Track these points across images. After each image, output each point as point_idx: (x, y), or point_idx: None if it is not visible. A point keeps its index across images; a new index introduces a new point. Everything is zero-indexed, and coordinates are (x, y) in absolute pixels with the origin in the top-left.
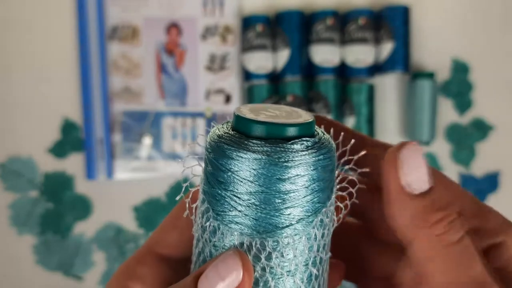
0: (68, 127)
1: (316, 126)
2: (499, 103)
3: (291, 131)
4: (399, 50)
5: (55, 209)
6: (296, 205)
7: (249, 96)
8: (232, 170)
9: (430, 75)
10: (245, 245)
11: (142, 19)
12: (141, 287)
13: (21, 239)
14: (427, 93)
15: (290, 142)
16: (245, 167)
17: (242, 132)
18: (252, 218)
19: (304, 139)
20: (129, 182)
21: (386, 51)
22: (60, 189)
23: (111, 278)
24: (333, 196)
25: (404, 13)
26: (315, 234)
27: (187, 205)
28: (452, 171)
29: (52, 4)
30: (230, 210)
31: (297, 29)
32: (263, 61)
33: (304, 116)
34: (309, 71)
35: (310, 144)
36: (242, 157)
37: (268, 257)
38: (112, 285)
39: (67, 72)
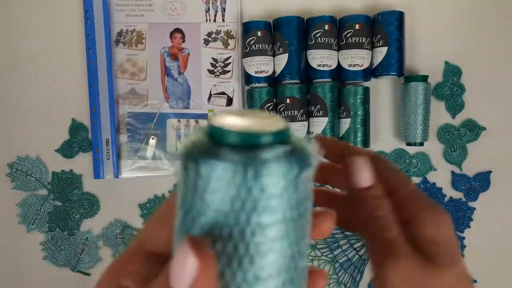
0: (76, 128)
1: (293, 134)
2: (489, 105)
3: (264, 139)
4: (394, 54)
5: (63, 207)
6: (265, 210)
7: (250, 99)
8: (199, 175)
9: (424, 78)
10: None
11: (147, 25)
12: (133, 284)
13: (30, 236)
14: (421, 96)
15: (260, 150)
16: (212, 174)
17: (215, 140)
18: (221, 225)
19: (275, 146)
20: (134, 180)
21: (381, 55)
22: (68, 188)
23: (102, 276)
24: (308, 205)
25: (398, 18)
26: (289, 240)
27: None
28: (444, 170)
29: (62, 11)
30: (199, 216)
31: (295, 34)
32: (263, 65)
33: (280, 124)
34: (307, 74)
35: (281, 152)
36: (209, 165)
37: (236, 256)
38: (103, 284)
39: (76, 75)
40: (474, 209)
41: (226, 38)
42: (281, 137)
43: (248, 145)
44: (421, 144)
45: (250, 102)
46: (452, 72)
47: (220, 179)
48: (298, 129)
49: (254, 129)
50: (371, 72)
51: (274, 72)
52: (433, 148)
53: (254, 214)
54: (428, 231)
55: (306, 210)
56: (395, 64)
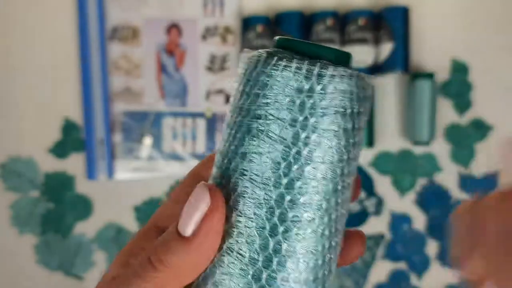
0: (68, 127)
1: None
2: (498, 103)
3: (328, 52)
4: (399, 51)
5: (56, 209)
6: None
7: None
8: (266, 73)
9: (430, 76)
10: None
11: (142, 20)
12: (137, 262)
13: (22, 239)
14: (427, 94)
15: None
16: (278, 71)
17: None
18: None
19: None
20: (129, 182)
21: (386, 52)
22: (60, 189)
23: (117, 256)
24: (361, 138)
25: (403, 13)
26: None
27: None
28: (451, 171)
29: (53, 5)
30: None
31: (297, 29)
32: None
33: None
34: None
35: (343, 68)
36: (277, 62)
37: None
38: (115, 262)
39: (68, 72)
40: None
41: (224, 33)
42: (345, 59)
43: (313, 55)
44: (427, 143)
45: None
46: (460, 69)
47: (284, 77)
48: None
49: (319, 44)
50: (376, 69)
51: None
52: (440, 148)
53: (313, 116)
54: None
55: (358, 136)
56: (400, 61)
